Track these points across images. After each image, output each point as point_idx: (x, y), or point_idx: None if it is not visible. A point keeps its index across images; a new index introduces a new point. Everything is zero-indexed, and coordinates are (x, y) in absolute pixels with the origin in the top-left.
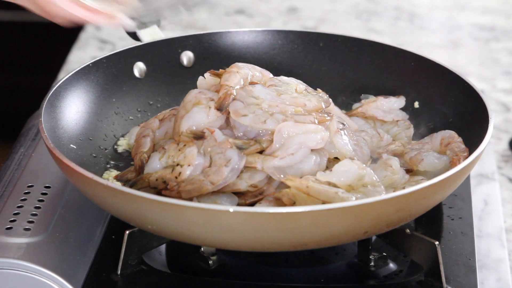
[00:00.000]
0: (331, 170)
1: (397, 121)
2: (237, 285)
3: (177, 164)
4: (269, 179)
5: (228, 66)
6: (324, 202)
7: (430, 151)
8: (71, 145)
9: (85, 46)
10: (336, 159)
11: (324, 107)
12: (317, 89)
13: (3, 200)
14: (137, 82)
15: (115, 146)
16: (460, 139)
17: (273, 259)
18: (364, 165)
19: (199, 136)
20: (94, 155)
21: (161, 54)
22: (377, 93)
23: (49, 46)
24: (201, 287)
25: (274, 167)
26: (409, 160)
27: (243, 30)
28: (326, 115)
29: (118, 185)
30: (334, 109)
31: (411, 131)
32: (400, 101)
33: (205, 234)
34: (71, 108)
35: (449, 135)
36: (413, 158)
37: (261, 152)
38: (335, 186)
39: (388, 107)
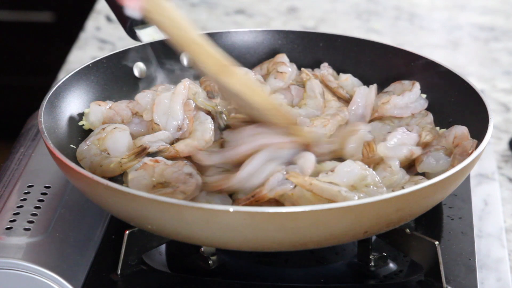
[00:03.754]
0: (333, 171)
1: (412, 114)
2: (237, 285)
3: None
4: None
5: None
6: (327, 200)
7: (439, 151)
8: (71, 145)
9: (85, 46)
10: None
11: None
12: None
13: (3, 200)
14: (137, 82)
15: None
16: (470, 141)
17: (273, 259)
18: (367, 166)
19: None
20: None
21: (161, 54)
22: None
23: (49, 46)
24: (201, 287)
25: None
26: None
27: (243, 30)
28: None
29: (118, 185)
30: None
31: (430, 117)
32: (415, 91)
33: (205, 234)
34: (71, 108)
35: (461, 134)
36: (416, 158)
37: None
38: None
39: (404, 103)
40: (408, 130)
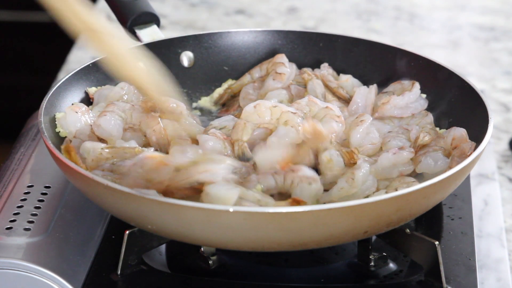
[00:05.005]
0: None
1: (413, 114)
2: (237, 285)
3: None
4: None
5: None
6: None
7: (437, 151)
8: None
9: (85, 46)
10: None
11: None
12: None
13: (3, 200)
14: None
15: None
16: (468, 143)
17: (273, 259)
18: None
19: None
20: None
21: (161, 54)
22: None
23: (49, 46)
24: (201, 287)
25: None
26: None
27: (243, 30)
28: None
29: (118, 185)
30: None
31: (430, 117)
32: (415, 91)
33: (205, 234)
34: None
35: (459, 136)
36: (414, 158)
37: None
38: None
39: (404, 103)
40: (404, 130)
